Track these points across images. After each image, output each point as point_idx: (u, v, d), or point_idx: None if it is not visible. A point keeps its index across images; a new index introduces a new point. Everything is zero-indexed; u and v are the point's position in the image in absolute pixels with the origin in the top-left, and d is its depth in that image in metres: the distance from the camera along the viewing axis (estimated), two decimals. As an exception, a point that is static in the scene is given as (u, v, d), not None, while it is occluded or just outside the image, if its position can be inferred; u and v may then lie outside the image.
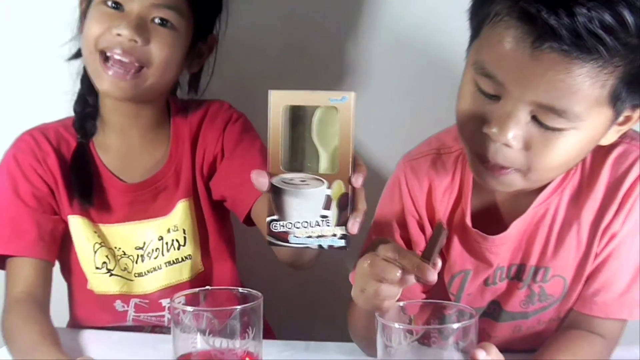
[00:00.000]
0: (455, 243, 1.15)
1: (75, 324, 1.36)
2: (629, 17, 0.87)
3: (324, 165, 0.90)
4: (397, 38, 1.47)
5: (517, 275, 1.15)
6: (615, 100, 0.94)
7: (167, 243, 1.32)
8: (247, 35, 1.51)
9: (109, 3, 1.22)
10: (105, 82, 1.22)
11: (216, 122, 1.33)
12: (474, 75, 0.97)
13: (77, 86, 1.34)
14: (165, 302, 1.33)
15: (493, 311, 1.18)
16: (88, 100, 1.31)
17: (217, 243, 1.37)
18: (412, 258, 0.90)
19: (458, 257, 1.15)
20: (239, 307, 0.93)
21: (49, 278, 1.28)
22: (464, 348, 0.86)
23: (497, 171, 1.00)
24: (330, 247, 0.89)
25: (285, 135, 0.89)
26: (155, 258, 1.32)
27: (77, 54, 1.31)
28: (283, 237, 0.90)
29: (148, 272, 1.32)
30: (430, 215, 1.16)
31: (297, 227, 0.89)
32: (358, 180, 0.87)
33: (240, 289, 0.99)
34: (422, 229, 1.17)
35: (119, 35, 1.20)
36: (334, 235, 0.89)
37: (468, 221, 1.12)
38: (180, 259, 1.33)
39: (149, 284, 1.33)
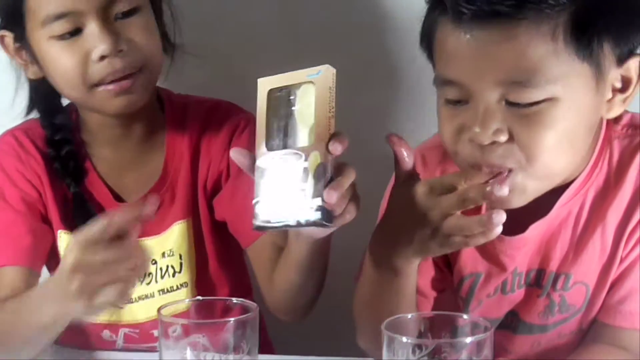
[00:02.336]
0: None
1: (58, 350, 1.29)
2: None
3: (303, 140, 0.89)
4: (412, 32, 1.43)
5: (535, 281, 1.10)
6: (578, 50, 0.91)
7: (161, 268, 1.25)
8: (249, 32, 1.46)
9: (65, 35, 1.10)
10: (115, 104, 1.13)
11: (221, 132, 1.25)
12: (440, 92, 0.99)
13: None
14: (157, 332, 1.23)
15: (510, 322, 1.13)
16: (64, 139, 1.23)
17: (217, 268, 1.29)
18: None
19: (469, 258, 1.11)
20: (232, 319, 0.87)
21: None
22: (478, 364, 0.80)
23: (498, 178, 0.96)
24: (309, 222, 0.86)
25: (269, 116, 0.91)
26: (147, 284, 1.25)
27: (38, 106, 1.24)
28: (266, 218, 0.89)
29: (140, 299, 1.25)
30: None
31: (278, 206, 0.88)
32: (336, 147, 0.86)
33: (234, 299, 0.94)
34: None
35: (103, 57, 1.09)
36: (311, 208, 0.86)
37: None
38: (175, 287, 1.26)
39: (140, 313, 1.26)
